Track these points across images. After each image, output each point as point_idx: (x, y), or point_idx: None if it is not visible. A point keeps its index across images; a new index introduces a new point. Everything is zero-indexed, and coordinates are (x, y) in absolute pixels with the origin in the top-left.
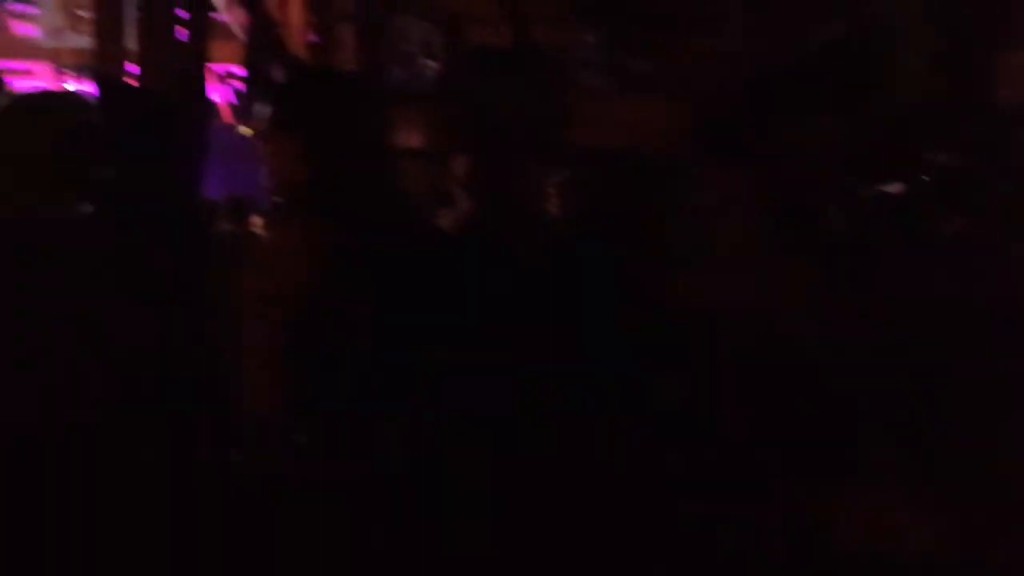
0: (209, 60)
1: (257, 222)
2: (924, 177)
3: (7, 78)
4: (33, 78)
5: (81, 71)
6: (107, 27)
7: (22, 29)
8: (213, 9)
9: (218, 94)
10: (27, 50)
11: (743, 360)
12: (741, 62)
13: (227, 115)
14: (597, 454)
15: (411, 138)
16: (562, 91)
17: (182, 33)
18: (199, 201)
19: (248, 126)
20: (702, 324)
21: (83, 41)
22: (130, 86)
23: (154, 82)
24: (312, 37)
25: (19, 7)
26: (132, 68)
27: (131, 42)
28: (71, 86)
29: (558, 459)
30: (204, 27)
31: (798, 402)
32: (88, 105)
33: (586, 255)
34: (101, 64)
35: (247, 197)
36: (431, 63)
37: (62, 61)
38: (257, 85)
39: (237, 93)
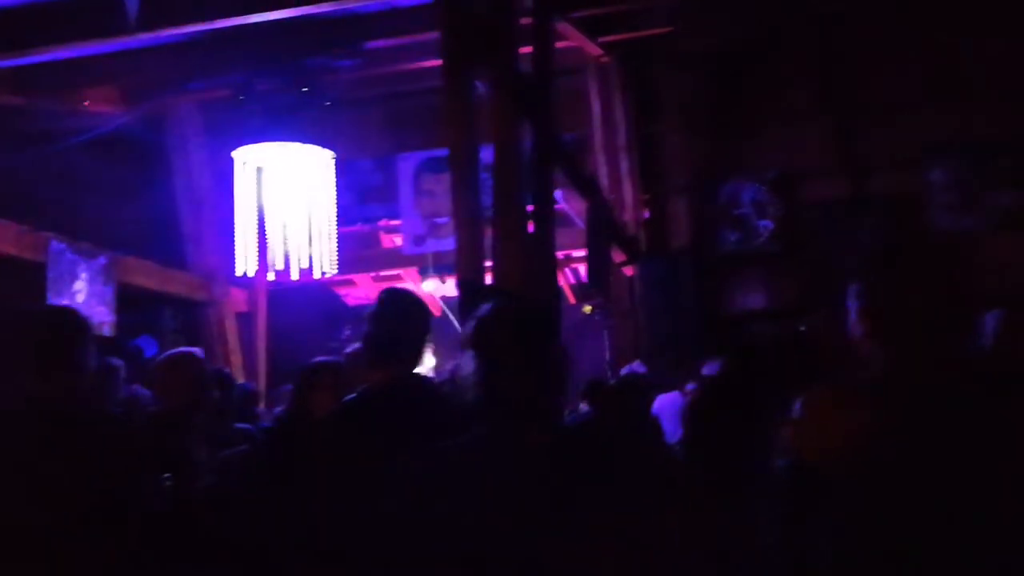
0: (556, 249)
1: None
2: None
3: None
4: (400, 281)
5: (442, 272)
6: (463, 231)
7: (390, 242)
8: (555, 201)
9: (561, 278)
10: (395, 259)
11: None
12: None
13: (570, 297)
14: None
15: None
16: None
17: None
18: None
19: (589, 306)
20: None
21: (443, 245)
22: (487, 287)
23: (509, 276)
24: (646, 213)
25: (390, 223)
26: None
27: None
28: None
29: None
30: (550, 220)
31: None
32: None
33: None
34: (460, 264)
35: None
36: (766, 224)
37: (424, 264)
38: (596, 266)
39: (577, 276)
